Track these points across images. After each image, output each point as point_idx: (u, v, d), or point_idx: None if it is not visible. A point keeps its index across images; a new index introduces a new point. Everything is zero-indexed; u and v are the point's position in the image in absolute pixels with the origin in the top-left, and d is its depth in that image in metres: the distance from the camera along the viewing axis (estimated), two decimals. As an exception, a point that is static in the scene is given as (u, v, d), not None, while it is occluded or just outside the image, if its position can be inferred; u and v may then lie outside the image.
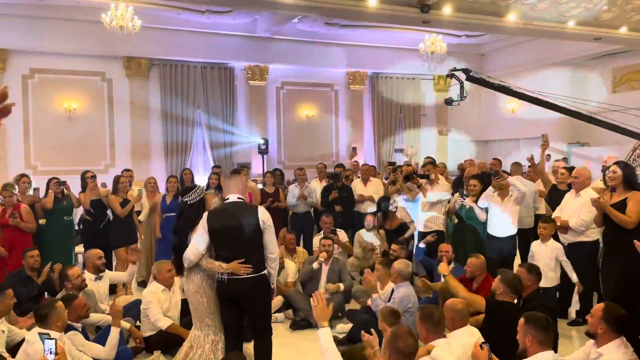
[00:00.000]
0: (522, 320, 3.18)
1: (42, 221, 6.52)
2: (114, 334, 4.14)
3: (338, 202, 7.60)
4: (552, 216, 5.46)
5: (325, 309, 3.04)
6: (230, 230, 3.78)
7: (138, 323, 4.98)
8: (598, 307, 3.27)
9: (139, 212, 7.12)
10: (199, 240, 3.79)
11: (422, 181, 6.32)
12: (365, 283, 4.97)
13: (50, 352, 2.90)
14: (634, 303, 3.83)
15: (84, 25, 10.65)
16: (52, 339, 2.97)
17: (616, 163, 4.55)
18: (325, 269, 5.91)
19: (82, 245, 7.01)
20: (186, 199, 3.94)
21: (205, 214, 3.86)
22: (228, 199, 3.96)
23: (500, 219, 5.62)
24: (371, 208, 7.72)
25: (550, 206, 6.16)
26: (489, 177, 6.11)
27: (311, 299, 3.14)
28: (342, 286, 5.72)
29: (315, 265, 5.90)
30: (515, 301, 4.34)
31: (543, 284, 4.99)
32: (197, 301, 3.93)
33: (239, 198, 3.95)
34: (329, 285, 5.72)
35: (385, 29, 12.87)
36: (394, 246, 5.91)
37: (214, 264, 3.78)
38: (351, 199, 7.72)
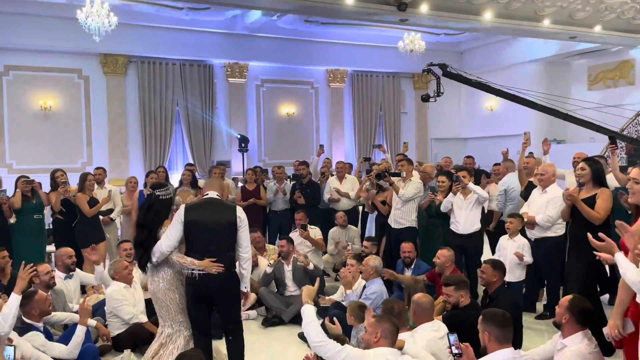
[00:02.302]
0: (480, 317, 3.22)
1: (12, 220, 6.44)
2: (79, 332, 4.10)
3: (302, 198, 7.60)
4: (520, 212, 5.53)
5: (311, 288, 3.39)
6: (207, 224, 3.77)
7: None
8: (565, 298, 3.35)
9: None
10: (173, 233, 3.74)
11: (395, 179, 6.33)
12: (342, 279, 5.02)
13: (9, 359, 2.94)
14: (597, 297, 3.88)
15: (60, 21, 10.52)
16: (11, 346, 3.01)
17: (584, 160, 4.66)
18: (288, 268, 5.82)
19: (54, 244, 6.93)
20: (158, 193, 3.86)
21: (182, 207, 3.83)
22: (207, 194, 3.97)
23: (462, 217, 5.64)
24: (346, 205, 7.75)
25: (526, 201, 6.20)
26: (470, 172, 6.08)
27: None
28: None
29: (268, 270, 5.79)
30: (480, 301, 4.40)
31: (509, 278, 5.09)
32: (169, 299, 3.86)
33: (217, 195, 3.98)
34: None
35: (364, 27, 12.89)
36: (365, 242, 5.95)
37: (186, 260, 3.73)
38: (317, 195, 7.73)
